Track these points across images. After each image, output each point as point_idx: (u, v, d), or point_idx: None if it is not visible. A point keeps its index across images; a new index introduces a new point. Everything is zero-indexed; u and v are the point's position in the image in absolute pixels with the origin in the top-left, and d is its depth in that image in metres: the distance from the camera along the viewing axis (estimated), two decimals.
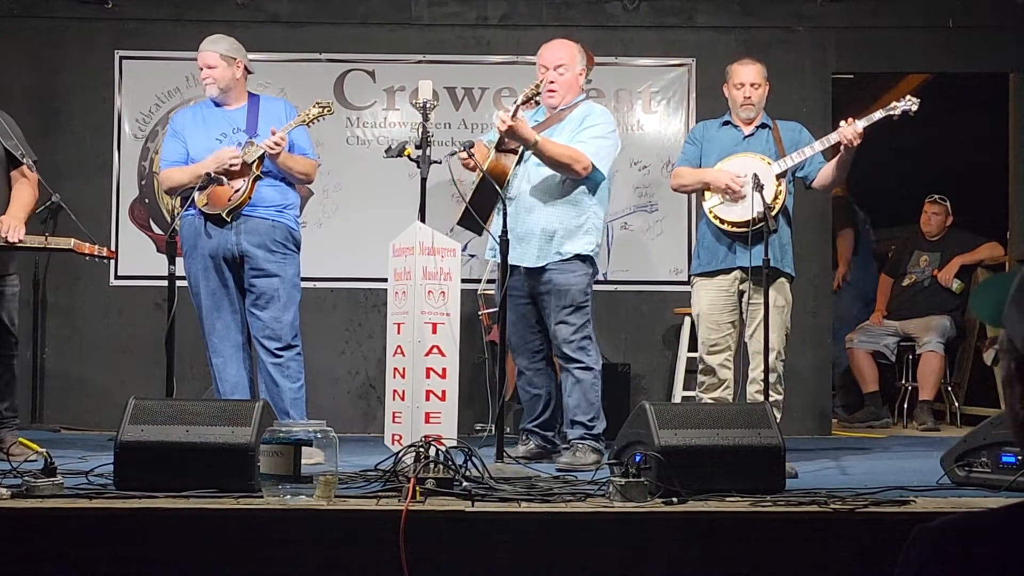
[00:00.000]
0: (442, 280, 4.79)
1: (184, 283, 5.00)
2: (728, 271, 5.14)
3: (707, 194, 5.19)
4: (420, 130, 4.86)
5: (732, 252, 5.11)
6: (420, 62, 6.92)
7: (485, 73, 6.97)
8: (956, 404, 7.55)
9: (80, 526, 3.38)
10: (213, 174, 4.90)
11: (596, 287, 5.19)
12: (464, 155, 4.94)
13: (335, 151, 6.83)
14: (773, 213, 4.95)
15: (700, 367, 5.22)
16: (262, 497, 3.52)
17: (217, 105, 5.15)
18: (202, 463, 3.64)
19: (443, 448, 3.66)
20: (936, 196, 7.70)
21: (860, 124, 4.94)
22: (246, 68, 5.17)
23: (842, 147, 4.99)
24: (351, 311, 6.91)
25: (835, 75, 7.07)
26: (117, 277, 6.86)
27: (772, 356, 4.84)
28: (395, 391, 4.85)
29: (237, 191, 4.94)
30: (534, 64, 5.26)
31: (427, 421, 4.65)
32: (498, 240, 4.55)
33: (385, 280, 5.16)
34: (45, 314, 6.87)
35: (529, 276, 5.05)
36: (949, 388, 7.55)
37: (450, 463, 3.62)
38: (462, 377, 4.96)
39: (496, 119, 4.90)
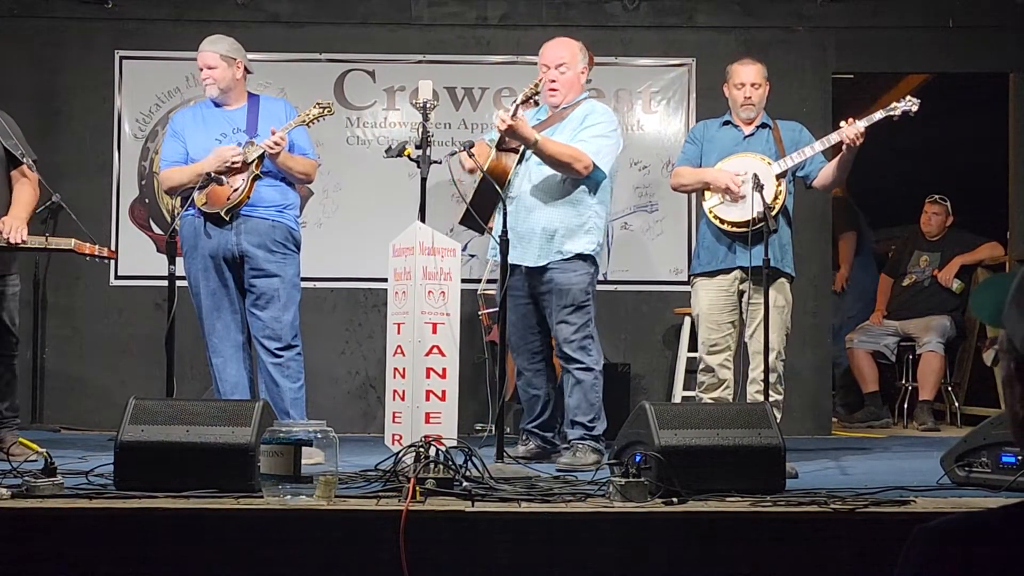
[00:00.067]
0: (442, 280, 4.79)
1: (184, 283, 5.00)
2: (728, 271, 5.14)
3: (707, 194, 5.19)
4: (420, 130, 4.86)
5: (732, 252, 5.11)
6: (420, 62, 6.92)
7: (485, 73, 6.97)
8: (956, 404, 7.55)
9: (80, 526, 3.37)
10: (213, 173, 4.90)
11: (596, 287, 5.18)
12: (465, 156, 4.93)
13: (335, 151, 6.83)
14: (773, 213, 4.95)
15: (700, 367, 5.22)
16: (262, 497, 3.52)
17: (217, 105, 5.15)
18: (202, 463, 3.64)
19: (443, 448, 3.66)
20: (936, 196, 7.70)
21: (861, 124, 4.95)
22: (246, 68, 5.17)
23: (844, 147, 4.99)
24: (351, 311, 6.91)
25: (835, 75, 7.07)
26: (117, 277, 6.86)
27: (772, 356, 4.83)
28: (395, 391, 4.85)
29: (236, 190, 4.94)
30: (534, 64, 5.26)
31: (427, 421, 4.65)
32: (498, 240, 4.55)
33: (385, 280, 5.16)
34: (45, 314, 6.87)
35: (530, 276, 5.05)
36: (949, 388, 7.56)
37: (450, 463, 3.62)
38: (462, 377, 4.96)
39: (496, 119, 4.90)
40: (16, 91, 6.58)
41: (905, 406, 7.61)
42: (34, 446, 4.04)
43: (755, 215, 4.88)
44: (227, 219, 4.95)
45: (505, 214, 4.62)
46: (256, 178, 4.96)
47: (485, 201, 4.92)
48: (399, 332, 4.87)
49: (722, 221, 5.10)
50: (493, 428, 4.92)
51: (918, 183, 8.19)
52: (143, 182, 6.93)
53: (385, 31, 6.99)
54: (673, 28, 7.03)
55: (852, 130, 4.93)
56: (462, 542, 3.34)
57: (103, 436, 5.43)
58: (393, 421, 4.85)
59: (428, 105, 4.87)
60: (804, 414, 6.79)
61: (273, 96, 5.74)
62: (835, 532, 3.41)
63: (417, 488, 3.41)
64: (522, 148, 4.97)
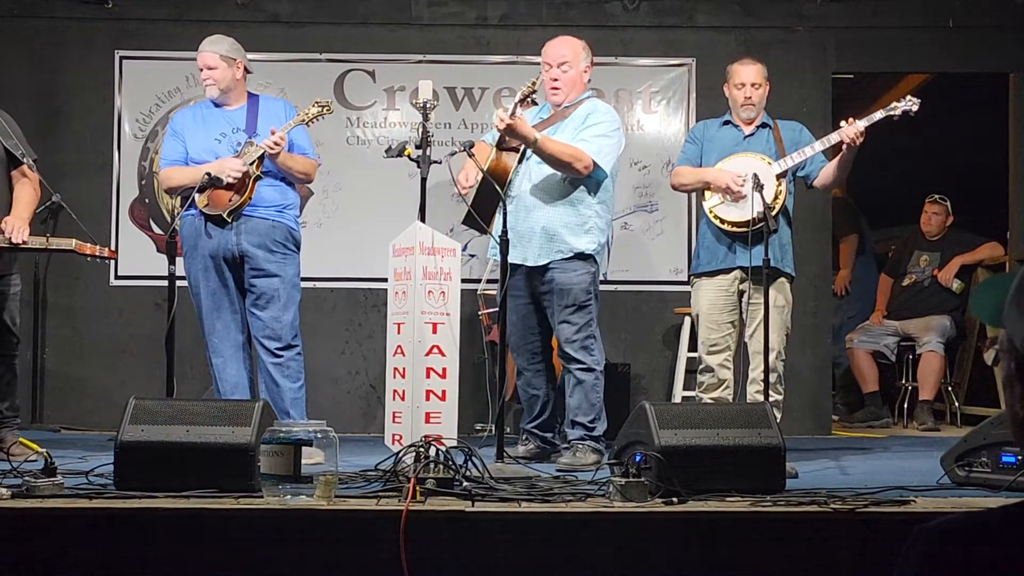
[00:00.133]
0: (442, 280, 4.79)
1: (184, 283, 5.00)
2: (728, 271, 5.14)
3: (707, 194, 5.19)
4: (420, 130, 4.86)
5: (732, 252, 5.11)
6: (420, 62, 6.92)
7: (485, 73, 6.97)
8: (956, 404, 7.55)
9: (80, 526, 3.37)
10: (213, 174, 4.89)
11: (599, 287, 5.16)
12: (464, 162, 4.93)
13: (335, 151, 6.83)
14: (773, 213, 4.95)
15: (700, 367, 5.22)
16: (262, 497, 3.52)
17: (217, 105, 5.15)
18: (202, 463, 3.64)
19: (443, 448, 3.66)
20: (936, 196, 7.70)
21: (861, 124, 4.95)
22: (246, 68, 5.17)
23: (844, 146, 4.99)
24: (351, 311, 6.91)
25: (835, 75, 7.08)
26: (117, 277, 6.86)
27: (772, 356, 4.83)
28: (395, 391, 4.85)
29: (238, 192, 4.95)
30: (534, 64, 5.27)
31: (427, 421, 4.65)
32: (498, 240, 4.55)
33: (385, 280, 5.16)
34: (45, 314, 6.87)
35: (531, 275, 5.04)
36: (949, 388, 7.56)
37: (450, 463, 3.62)
38: (462, 377, 4.96)
39: (495, 118, 4.90)
40: (16, 91, 6.58)
41: (905, 406, 7.61)
42: (34, 446, 4.04)
43: (755, 215, 4.88)
44: (229, 220, 4.95)
45: (505, 214, 4.62)
46: (257, 179, 4.96)
47: (486, 201, 4.91)
48: (399, 332, 4.87)
49: (722, 221, 5.10)
50: (493, 428, 4.92)
51: (918, 183, 8.19)
52: (143, 182, 6.93)
53: (385, 31, 7.00)
54: (673, 28, 7.03)
55: (852, 130, 4.93)
56: (462, 542, 3.34)
57: (103, 436, 5.44)
58: (393, 421, 4.85)
59: (428, 105, 4.87)
60: (804, 414, 6.79)
61: (273, 96, 5.74)
62: (835, 532, 3.41)
63: (417, 488, 3.41)
64: (523, 148, 4.97)
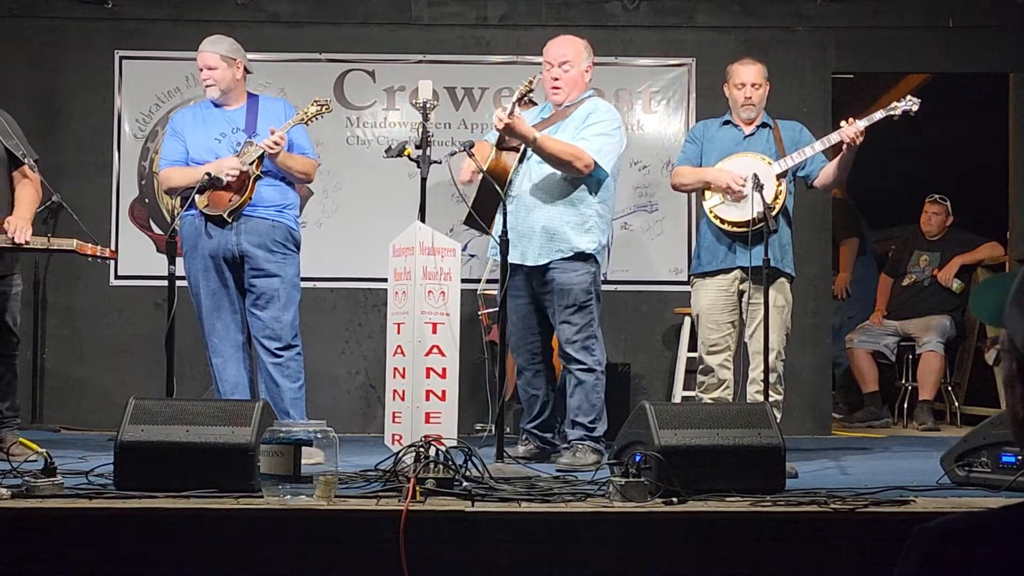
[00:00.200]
0: (442, 280, 4.79)
1: (184, 283, 5.00)
2: (728, 271, 5.13)
3: (707, 194, 5.19)
4: (420, 130, 4.86)
5: (732, 252, 5.11)
6: (420, 62, 6.92)
7: (485, 73, 6.97)
8: (956, 404, 7.55)
9: (80, 526, 3.37)
10: (213, 174, 4.90)
11: (601, 287, 5.16)
12: (464, 159, 4.92)
13: (335, 151, 6.83)
14: (773, 213, 4.95)
15: (700, 367, 5.22)
16: (262, 497, 3.52)
17: (217, 105, 5.15)
18: (202, 463, 3.64)
19: (443, 448, 3.66)
20: (936, 196, 7.70)
21: (861, 124, 4.95)
22: (246, 68, 5.17)
23: (844, 146, 4.99)
24: (351, 311, 6.91)
25: (835, 75, 7.07)
26: (117, 277, 6.86)
27: (772, 356, 4.83)
28: (395, 391, 4.85)
29: (238, 192, 4.95)
30: (534, 64, 5.27)
31: (427, 421, 4.65)
32: (498, 240, 4.54)
33: (385, 280, 5.16)
34: (45, 314, 6.87)
35: (531, 275, 5.04)
36: (949, 388, 7.56)
37: (450, 463, 3.62)
38: (462, 377, 4.96)
39: (494, 118, 4.90)
40: (16, 91, 6.58)
41: (905, 406, 7.61)
42: (34, 446, 4.04)
43: (755, 215, 4.88)
44: (229, 220, 4.95)
45: (505, 214, 4.61)
46: (257, 178, 4.96)
47: (486, 201, 4.91)
48: (399, 332, 4.87)
49: (722, 221, 5.10)
50: (493, 428, 4.92)
51: (918, 183, 8.19)
52: (143, 182, 6.93)
53: (385, 31, 7.00)
54: (673, 28, 7.03)
55: (852, 130, 4.93)
56: (462, 542, 3.34)
57: (103, 436, 5.43)
58: (393, 421, 4.85)
59: (428, 105, 4.87)
60: (804, 414, 6.79)
61: (273, 96, 5.74)
62: (835, 532, 3.41)
63: (417, 488, 3.41)
64: (523, 147, 4.97)
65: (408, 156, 4.87)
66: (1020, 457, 3.88)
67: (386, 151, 5.06)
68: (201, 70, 5.12)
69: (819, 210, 6.89)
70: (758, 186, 4.83)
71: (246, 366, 5.11)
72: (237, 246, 4.97)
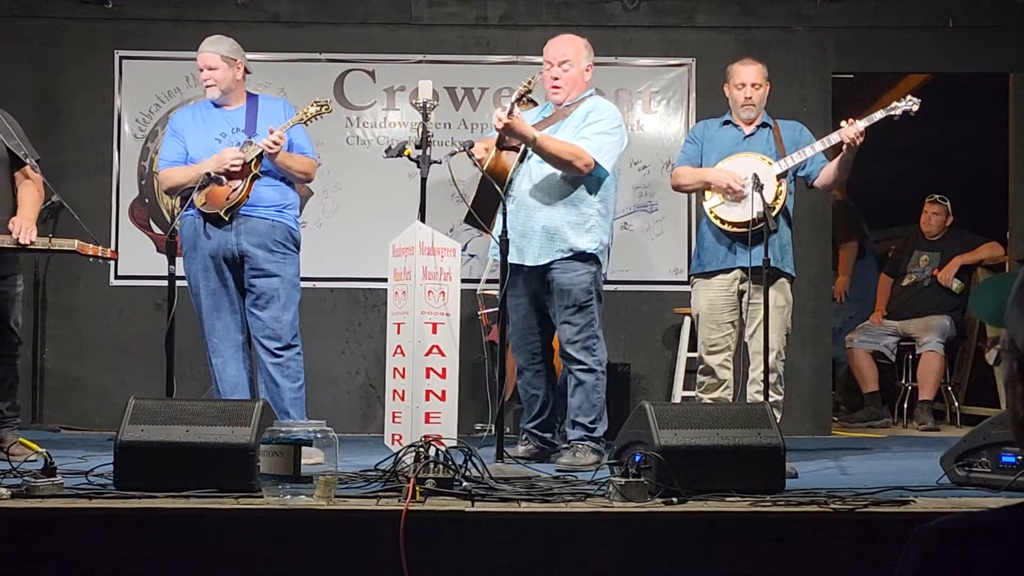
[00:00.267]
0: (442, 280, 4.80)
1: (184, 283, 5.00)
2: (728, 271, 5.13)
3: (707, 194, 5.19)
4: (420, 130, 4.86)
5: (732, 252, 5.11)
6: (420, 62, 6.92)
7: (485, 73, 6.98)
8: (956, 404, 7.55)
9: (80, 526, 3.37)
10: (213, 174, 4.90)
11: (602, 286, 5.15)
12: (475, 149, 4.91)
13: (335, 151, 6.83)
14: (773, 213, 4.95)
15: (700, 367, 5.22)
16: (262, 497, 3.52)
17: (216, 105, 5.15)
18: (202, 463, 3.64)
19: (443, 448, 3.66)
20: (936, 196, 7.70)
21: (861, 124, 4.95)
22: (246, 69, 5.17)
23: (844, 146, 4.99)
24: (351, 311, 6.91)
25: (835, 75, 7.08)
26: (117, 277, 6.86)
27: (772, 356, 4.83)
28: (395, 391, 4.85)
29: (235, 190, 4.95)
30: (534, 64, 5.27)
31: (427, 421, 4.66)
32: (498, 240, 4.54)
33: (385, 280, 5.16)
34: (45, 314, 6.87)
35: (532, 275, 5.03)
36: (949, 388, 7.55)
37: (450, 463, 3.62)
38: (462, 377, 4.96)
39: (494, 118, 4.90)
40: (16, 91, 6.58)
41: (905, 406, 7.61)
42: (34, 446, 4.04)
43: (755, 215, 4.88)
44: (226, 219, 4.95)
45: (505, 214, 4.61)
46: (255, 178, 4.96)
47: (486, 201, 4.91)
48: (399, 332, 4.87)
49: (722, 221, 5.10)
50: (493, 428, 4.92)
51: (918, 183, 8.19)
52: (143, 182, 6.94)
53: (385, 31, 7.00)
54: (673, 28, 7.03)
55: (852, 130, 4.93)
56: (462, 542, 3.34)
57: (103, 436, 5.43)
58: (393, 421, 4.85)
59: (428, 105, 4.87)
60: (804, 414, 6.79)
61: (272, 96, 5.74)
62: (835, 532, 3.41)
63: (417, 488, 3.41)
64: (523, 147, 4.96)
65: (408, 156, 4.88)
66: (1020, 457, 3.88)
67: (386, 151, 5.06)
68: (201, 70, 5.12)
69: (819, 210, 6.89)
70: (758, 186, 4.83)
71: (246, 366, 5.11)
72: (237, 246, 4.97)
